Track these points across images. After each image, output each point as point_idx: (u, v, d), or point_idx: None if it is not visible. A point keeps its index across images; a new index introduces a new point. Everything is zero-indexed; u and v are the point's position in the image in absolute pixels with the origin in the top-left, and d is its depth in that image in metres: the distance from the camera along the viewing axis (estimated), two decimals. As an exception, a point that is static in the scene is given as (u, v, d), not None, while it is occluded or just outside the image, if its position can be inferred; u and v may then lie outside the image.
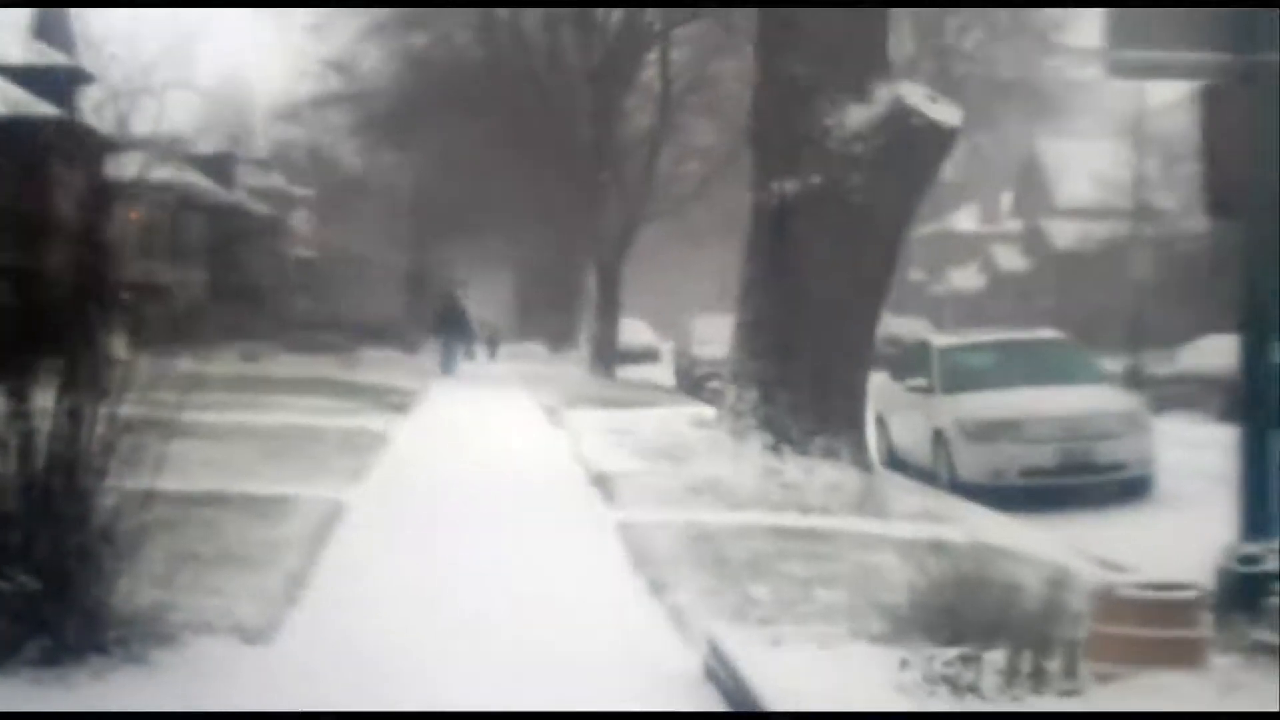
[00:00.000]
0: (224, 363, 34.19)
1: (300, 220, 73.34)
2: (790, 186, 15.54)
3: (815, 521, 13.59)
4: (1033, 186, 73.19)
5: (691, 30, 41.90)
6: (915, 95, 15.46)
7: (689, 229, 57.84)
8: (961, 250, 79.63)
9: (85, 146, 33.74)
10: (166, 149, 37.42)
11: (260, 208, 61.63)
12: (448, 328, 42.95)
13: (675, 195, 45.75)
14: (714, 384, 30.46)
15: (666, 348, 57.14)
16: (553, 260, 62.62)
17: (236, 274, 53.33)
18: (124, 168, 32.63)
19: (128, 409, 8.79)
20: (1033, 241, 72.29)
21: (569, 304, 65.24)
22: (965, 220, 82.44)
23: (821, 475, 14.96)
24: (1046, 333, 21.80)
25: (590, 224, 43.65)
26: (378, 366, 37.70)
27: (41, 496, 7.98)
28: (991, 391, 18.71)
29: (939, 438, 18.63)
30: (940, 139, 15.60)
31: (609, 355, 43.38)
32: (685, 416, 23.35)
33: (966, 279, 77.48)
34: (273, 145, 64.83)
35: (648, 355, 57.50)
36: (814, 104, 15.43)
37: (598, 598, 10.35)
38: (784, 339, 15.75)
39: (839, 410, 15.68)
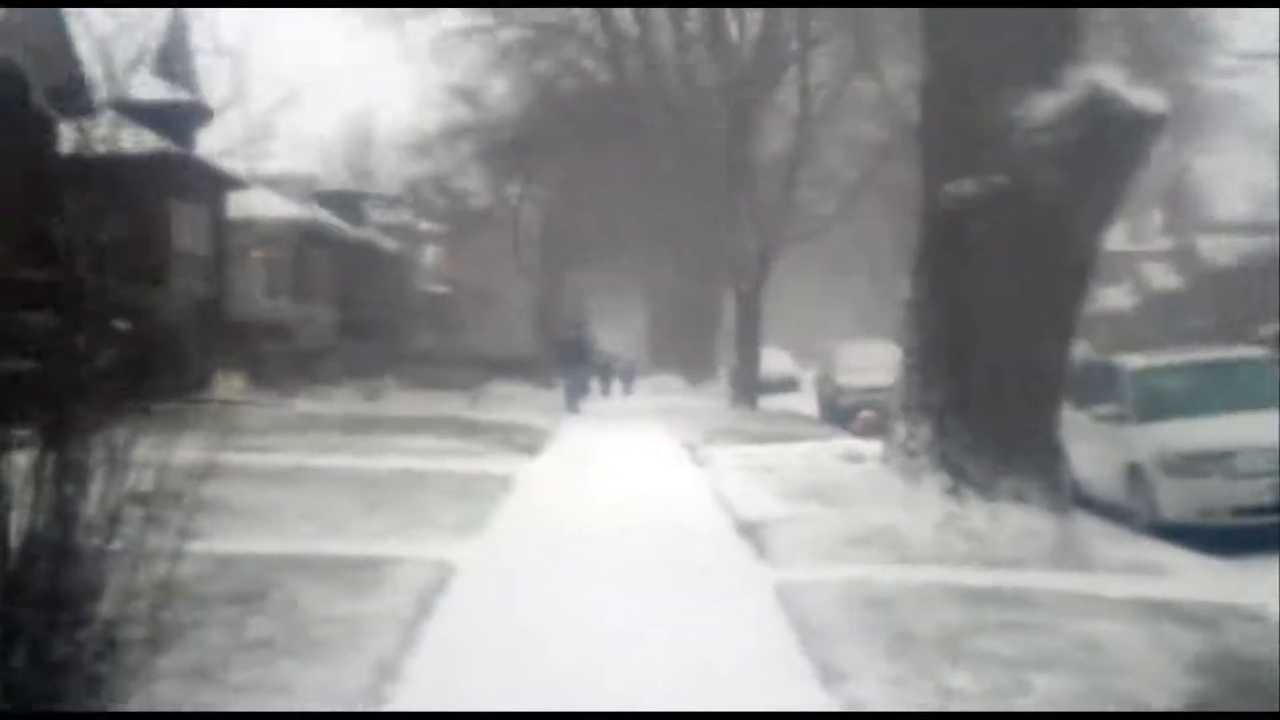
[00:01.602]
0: (343, 401, 32.77)
1: (430, 255, 72.25)
2: (968, 189, 13.30)
3: (1010, 579, 11.43)
4: (1184, 202, 70.20)
5: (830, 47, 40.01)
6: (1113, 79, 13.15)
7: (828, 254, 56.02)
8: (1111, 269, 76.60)
9: (205, 183, 32.30)
10: (293, 186, 36.20)
11: (389, 244, 60.54)
12: (573, 362, 40.90)
13: (814, 219, 43.79)
14: (864, 413, 28.42)
15: (807, 377, 55.00)
16: (688, 289, 60.81)
17: (365, 311, 52.42)
18: (247, 205, 30.93)
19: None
20: (1185, 259, 69.35)
21: (706, 333, 63.39)
22: (1114, 238, 79.34)
23: (1010, 522, 12.75)
24: (1253, 351, 19.22)
25: (727, 250, 41.69)
26: (506, 403, 35.99)
27: (16, 594, 5.95)
28: (1195, 419, 16.29)
29: (1135, 472, 16.30)
30: (1144, 129, 13.25)
31: (750, 386, 41.29)
32: (836, 451, 21.42)
33: (1118, 299, 74.37)
34: (401, 181, 63.75)
35: (788, 385, 55.43)
36: (994, 93, 13.21)
37: (756, 691, 8.24)
38: (962, 365, 13.50)
39: (1028, 446, 13.40)
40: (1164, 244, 74.42)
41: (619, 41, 43.69)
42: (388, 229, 62.43)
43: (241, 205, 41.51)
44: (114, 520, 6.23)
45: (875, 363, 37.29)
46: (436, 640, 9.23)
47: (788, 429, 30.20)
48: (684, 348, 64.73)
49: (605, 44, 44.45)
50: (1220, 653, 8.91)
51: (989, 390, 13.38)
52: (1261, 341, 33.29)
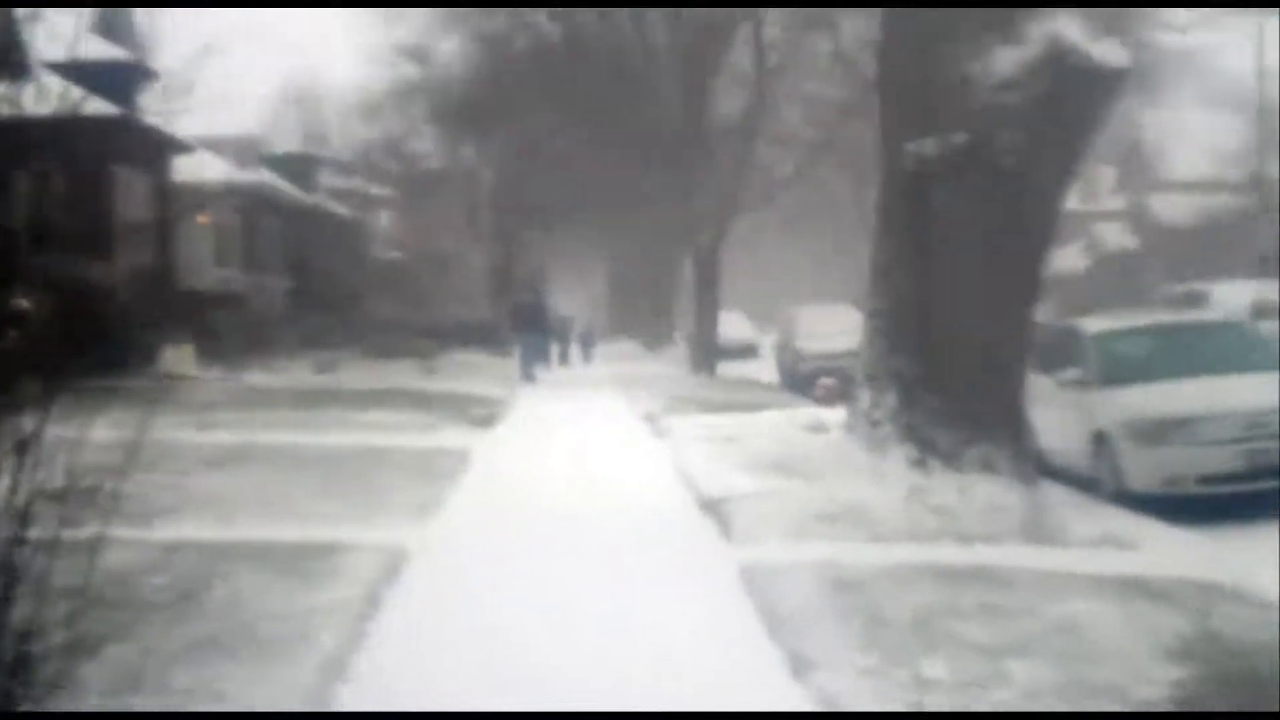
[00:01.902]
0: (296, 374, 32.26)
1: (383, 221, 71.51)
2: (929, 148, 12.92)
3: (982, 556, 11.11)
4: (1138, 161, 69.90)
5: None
6: (1073, 31, 12.76)
7: (786, 216, 55.48)
8: (1064, 229, 76.11)
9: (148, 147, 31.48)
10: (237, 148, 35.38)
11: (341, 209, 59.81)
12: (528, 329, 40.15)
13: (772, 180, 43.35)
14: (825, 380, 28.09)
15: (766, 342, 54.70)
16: (645, 253, 60.36)
17: (318, 279, 51.75)
18: (192, 169, 30.08)
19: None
20: (1140, 219, 69.21)
21: (664, 298, 62.96)
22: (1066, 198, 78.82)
23: (978, 494, 12.44)
24: (1216, 314, 18.88)
25: (684, 214, 41.19)
26: (463, 373, 35.50)
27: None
28: (1160, 384, 15.84)
29: (1099, 440, 15.94)
30: (1106, 83, 12.88)
31: (709, 352, 40.89)
32: (798, 420, 21.03)
33: (1071, 260, 74.14)
34: (351, 144, 62.91)
35: (747, 351, 55.06)
36: (953, 47, 12.84)
37: (725, 683, 7.89)
38: (927, 331, 13.16)
39: (995, 414, 13.08)
40: (1117, 203, 74.21)
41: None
42: (340, 194, 61.68)
43: (186, 169, 40.71)
44: (24, 517, 5.75)
45: (836, 328, 37.01)
46: (385, 634, 8.83)
47: (748, 397, 29.86)
48: (642, 313, 64.30)
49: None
50: (1203, 635, 8.60)
51: (954, 356, 13.06)
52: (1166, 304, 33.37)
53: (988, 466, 12.79)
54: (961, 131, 12.75)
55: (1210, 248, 56.06)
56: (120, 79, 36.47)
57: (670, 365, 45.92)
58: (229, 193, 44.45)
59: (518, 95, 44.04)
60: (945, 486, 12.54)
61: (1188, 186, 62.40)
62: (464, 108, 47.62)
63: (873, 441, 13.33)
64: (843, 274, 71.55)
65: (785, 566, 10.61)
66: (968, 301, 13.00)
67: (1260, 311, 26.26)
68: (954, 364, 13.05)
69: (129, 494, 10.27)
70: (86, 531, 6.23)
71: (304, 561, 10.57)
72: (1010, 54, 12.69)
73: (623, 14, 42.40)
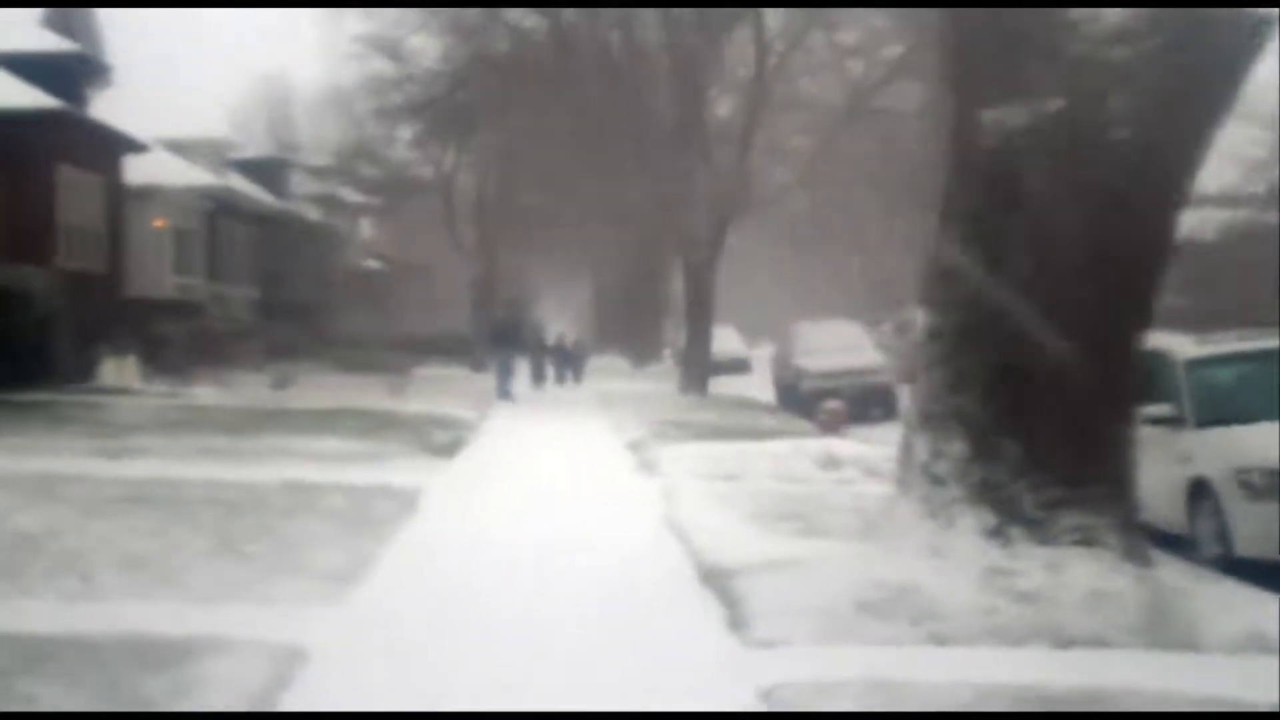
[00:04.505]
0: (249, 390, 29.44)
1: (360, 229, 68.67)
2: (1014, 117, 9.69)
3: (1093, 670, 7.98)
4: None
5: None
6: (1202, -28, 9.59)
7: (781, 225, 52.96)
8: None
9: (95, 144, 28.65)
10: (204, 151, 32.93)
11: (314, 216, 56.92)
12: (507, 344, 37.02)
13: (771, 186, 40.61)
14: (832, 404, 25.09)
15: (757, 356, 51.87)
16: (633, 264, 57.50)
17: (287, 288, 48.89)
18: (150, 171, 27.21)
19: None
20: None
21: (652, 312, 60.04)
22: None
23: (1077, 577, 9.24)
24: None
25: (676, 224, 38.03)
26: (433, 389, 32.48)
27: None
28: (1274, 423, 12.73)
29: (1199, 491, 12.85)
30: (1248, 36, 9.73)
31: (701, 370, 37.64)
32: (809, 452, 18.13)
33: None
34: (327, 149, 60.07)
35: (738, 365, 51.99)
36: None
37: None
38: (1007, 356, 9.92)
39: (1098, 469, 9.85)
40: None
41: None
42: (314, 200, 58.84)
43: (144, 171, 37.81)
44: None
45: (839, 344, 34.64)
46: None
47: (747, 421, 26.82)
48: (630, 327, 61.50)
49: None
50: None
51: (1043, 391, 9.82)
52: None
53: (1089, 538, 9.55)
54: (1058, 95, 9.57)
55: (1230, 264, 53.17)
56: (68, 73, 33.80)
57: (658, 382, 42.89)
58: (190, 197, 41.55)
59: (499, 95, 41.20)
60: (1031, 566, 9.36)
61: (1210, 200, 59.52)
62: (443, 109, 44.77)
63: (933, 503, 10.00)
64: (837, 286, 68.89)
65: (823, 686, 7.51)
66: (1062, 317, 9.75)
67: None
68: (1043, 401, 9.81)
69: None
70: None
71: (149, 673, 7.41)
72: (1123, -2, 9.52)
73: (610, 10, 39.51)
